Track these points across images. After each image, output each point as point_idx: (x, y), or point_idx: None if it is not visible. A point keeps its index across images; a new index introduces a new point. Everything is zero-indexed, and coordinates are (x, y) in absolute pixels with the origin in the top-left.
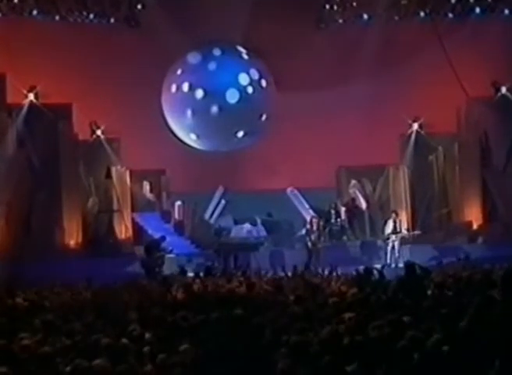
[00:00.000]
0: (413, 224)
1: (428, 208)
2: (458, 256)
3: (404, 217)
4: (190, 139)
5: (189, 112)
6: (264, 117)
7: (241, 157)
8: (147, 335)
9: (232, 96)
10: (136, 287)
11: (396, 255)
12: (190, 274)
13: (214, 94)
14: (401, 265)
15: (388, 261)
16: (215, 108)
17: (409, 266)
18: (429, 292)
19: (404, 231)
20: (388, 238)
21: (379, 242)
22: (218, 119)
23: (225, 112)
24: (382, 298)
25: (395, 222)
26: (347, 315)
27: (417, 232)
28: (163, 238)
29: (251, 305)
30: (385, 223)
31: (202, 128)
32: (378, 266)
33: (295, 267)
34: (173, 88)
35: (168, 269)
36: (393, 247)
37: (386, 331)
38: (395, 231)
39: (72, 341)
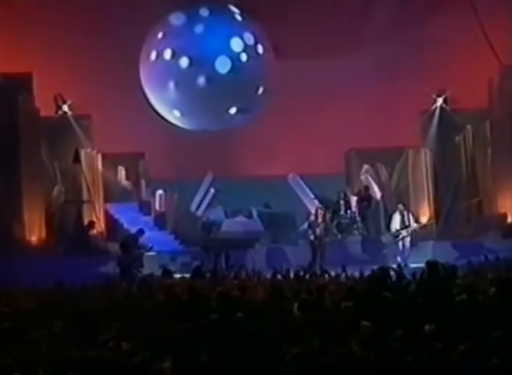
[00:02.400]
0: (436, 217)
1: (454, 198)
2: (490, 254)
3: (426, 209)
4: (173, 116)
5: (171, 84)
6: (260, 90)
7: (234, 138)
8: (124, 346)
9: (222, 65)
10: (110, 290)
11: (406, 253)
12: (175, 275)
13: (201, 62)
14: (412, 265)
15: (399, 260)
16: (202, 80)
17: (431, 265)
18: (456, 297)
19: (414, 224)
20: (397, 235)
21: (384, 239)
22: (206, 92)
23: (214, 84)
24: (400, 303)
25: (402, 215)
26: (363, 323)
27: (430, 221)
28: (141, 233)
29: (248, 311)
30: (391, 217)
31: (187, 103)
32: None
33: (298, 267)
34: (153, 55)
35: (148, 269)
36: (403, 244)
37: (406, 343)
38: (404, 226)
39: (35, 353)
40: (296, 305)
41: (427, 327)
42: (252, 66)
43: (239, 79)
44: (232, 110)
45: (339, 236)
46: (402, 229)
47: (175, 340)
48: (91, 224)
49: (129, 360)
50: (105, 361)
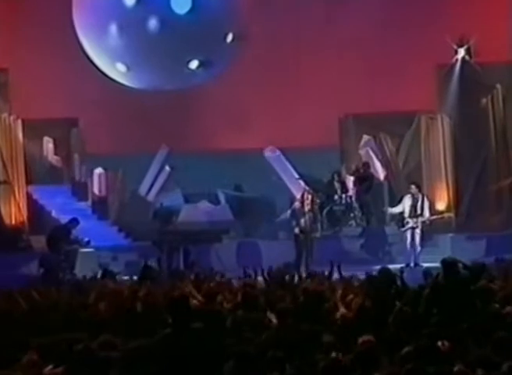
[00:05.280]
0: (456, 203)
1: (479, 178)
2: None
3: (443, 192)
4: (117, 71)
5: (113, 29)
6: (229, 38)
7: (195, 100)
8: (47, 369)
9: (180, 3)
10: (33, 296)
11: (418, 249)
12: (118, 278)
13: None
14: (425, 264)
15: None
16: (153, 23)
17: (449, 265)
18: (478, 305)
19: (427, 212)
20: (406, 226)
21: (388, 231)
22: (158, 39)
23: (169, 28)
24: (408, 313)
25: (414, 200)
26: (362, 338)
27: (447, 214)
28: (75, 224)
29: (211, 324)
30: (398, 202)
31: (134, 54)
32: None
33: (278, 267)
34: None
35: (83, 269)
36: (414, 238)
37: (415, 363)
38: (415, 214)
39: None
40: (273, 316)
41: (442, 345)
42: (219, 6)
43: (202, 22)
44: (193, 64)
45: (332, 228)
46: (412, 218)
47: (116, 360)
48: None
49: None
50: None
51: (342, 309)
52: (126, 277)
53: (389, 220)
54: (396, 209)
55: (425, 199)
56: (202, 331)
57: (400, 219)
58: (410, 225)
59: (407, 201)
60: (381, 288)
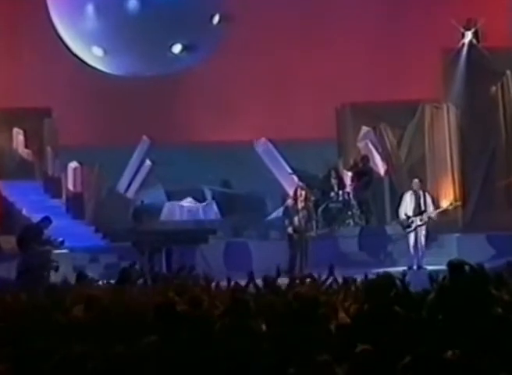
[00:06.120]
0: (463, 200)
1: (487, 173)
2: None
3: (449, 187)
4: (93, 56)
5: (90, 9)
6: (216, 19)
7: (179, 88)
8: None
9: None
10: (2, 302)
11: (421, 250)
12: (95, 281)
13: None
14: (430, 267)
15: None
16: (133, 3)
17: (456, 267)
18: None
19: (432, 210)
20: (409, 225)
21: (390, 230)
22: (138, 20)
23: (150, 8)
24: (411, 319)
25: (417, 196)
26: (360, 347)
27: (455, 203)
28: (48, 223)
29: (198, 332)
30: (400, 199)
31: (112, 37)
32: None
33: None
34: None
35: (57, 272)
36: (417, 238)
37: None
38: (418, 212)
39: None
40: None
41: (449, 354)
42: None
43: (186, 2)
44: (177, 48)
45: (328, 227)
46: (416, 216)
47: (95, 371)
48: None
49: None
50: None
51: (340, 315)
52: (102, 282)
53: (390, 219)
54: (403, 213)
55: (427, 195)
56: (190, 339)
57: (404, 219)
58: (416, 224)
59: (407, 200)
60: (380, 293)
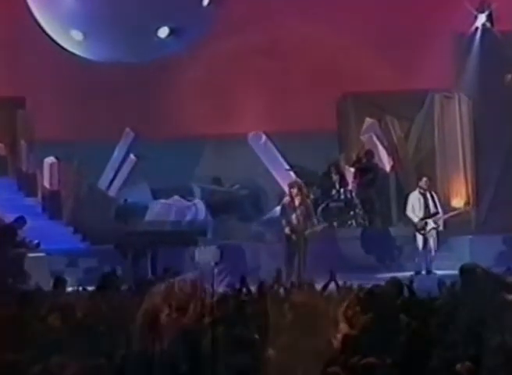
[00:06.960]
0: (477, 199)
1: (503, 169)
2: None
3: (461, 186)
4: (72, 40)
5: None
6: (206, 1)
7: (166, 76)
8: None
9: None
10: None
11: (431, 254)
12: (73, 287)
13: None
14: (440, 271)
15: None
16: None
17: (468, 272)
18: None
19: (441, 210)
20: (417, 226)
21: (395, 232)
22: (121, 2)
23: None
24: (418, 329)
25: (425, 195)
26: (365, 360)
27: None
28: (22, 223)
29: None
30: (407, 198)
31: (92, 19)
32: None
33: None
34: None
35: (32, 277)
36: (426, 240)
37: None
38: (427, 213)
39: None
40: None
41: (459, 367)
42: None
43: None
44: (163, 31)
45: (328, 227)
46: (425, 217)
47: None
48: None
49: None
50: None
51: (341, 325)
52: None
53: (395, 220)
54: (410, 213)
55: (434, 194)
56: (178, 350)
57: (413, 221)
58: (431, 226)
59: (415, 199)
60: (385, 300)
